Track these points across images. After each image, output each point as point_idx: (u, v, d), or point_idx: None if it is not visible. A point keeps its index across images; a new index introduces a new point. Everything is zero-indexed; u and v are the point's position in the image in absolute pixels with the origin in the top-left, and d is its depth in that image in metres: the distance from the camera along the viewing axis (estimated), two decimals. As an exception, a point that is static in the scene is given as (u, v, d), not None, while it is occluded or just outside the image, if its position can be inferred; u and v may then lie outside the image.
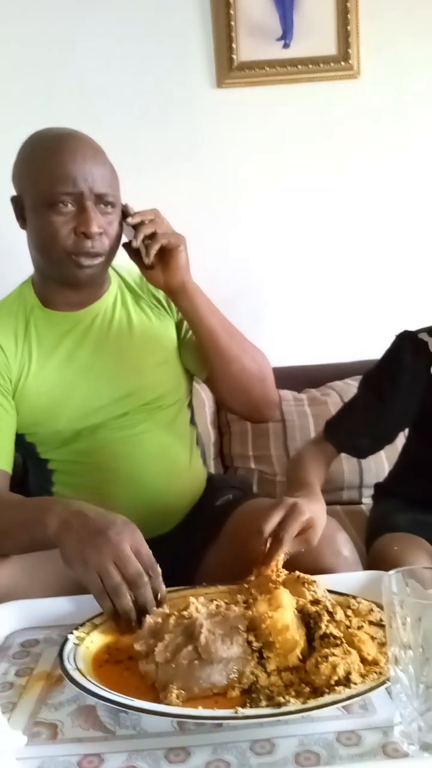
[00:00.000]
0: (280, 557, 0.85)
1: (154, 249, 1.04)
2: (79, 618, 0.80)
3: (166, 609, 0.77)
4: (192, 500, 1.19)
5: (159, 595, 0.79)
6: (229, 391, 1.17)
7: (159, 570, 0.80)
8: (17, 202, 1.09)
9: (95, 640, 0.76)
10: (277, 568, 0.84)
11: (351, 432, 1.18)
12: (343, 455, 1.58)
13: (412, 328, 1.19)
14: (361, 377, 1.25)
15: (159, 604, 0.78)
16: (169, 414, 1.17)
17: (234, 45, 1.76)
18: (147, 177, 1.69)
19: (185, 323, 1.18)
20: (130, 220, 1.06)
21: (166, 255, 1.06)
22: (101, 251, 1.05)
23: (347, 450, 1.21)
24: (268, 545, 0.86)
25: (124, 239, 1.10)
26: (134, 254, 1.09)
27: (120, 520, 0.82)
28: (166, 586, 0.85)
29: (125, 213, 1.08)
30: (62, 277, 1.09)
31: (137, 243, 1.05)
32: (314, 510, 0.90)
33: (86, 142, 1.07)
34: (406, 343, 1.16)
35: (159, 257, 1.06)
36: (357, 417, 1.19)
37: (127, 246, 1.10)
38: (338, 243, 1.87)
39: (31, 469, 1.22)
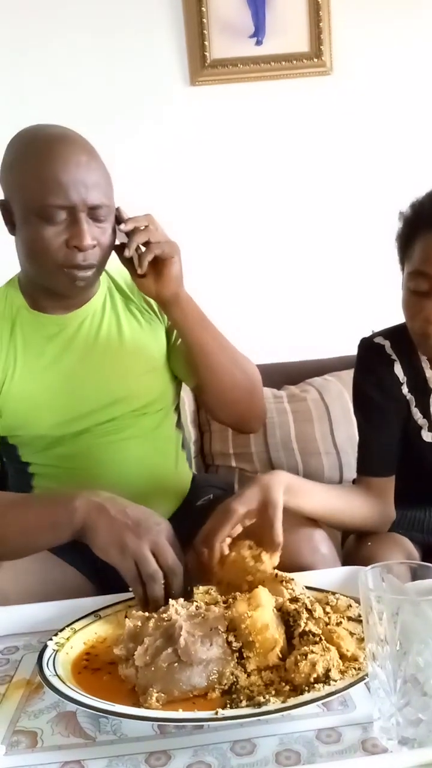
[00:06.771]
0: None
1: (147, 259, 1.00)
2: (60, 623, 0.79)
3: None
4: (175, 504, 1.18)
5: (189, 588, 0.82)
6: (217, 403, 1.15)
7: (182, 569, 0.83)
8: (4, 207, 1.03)
9: (75, 646, 0.76)
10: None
11: (381, 455, 1.12)
12: (322, 452, 1.61)
13: (388, 323, 1.20)
14: (352, 401, 1.20)
15: (189, 597, 0.81)
16: (155, 420, 1.15)
17: (207, 43, 1.76)
18: (121, 176, 1.68)
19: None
20: (123, 227, 1.01)
21: (159, 265, 1.01)
22: (94, 263, 1.00)
23: (387, 471, 1.13)
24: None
25: (116, 242, 1.04)
26: (126, 260, 1.03)
27: (157, 515, 0.86)
28: None
29: (118, 218, 1.03)
30: (53, 288, 1.05)
31: (130, 252, 0.99)
32: (255, 491, 0.89)
33: (80, 145, 1.01)
34: (366, 351, 1.14)
35: (152, 266, 1.01)
36: (376, 440, 1.13)
37: (119, 250, 1.04)
38: (315, 238, 1.88)
39: (10, 471, 1.21)
